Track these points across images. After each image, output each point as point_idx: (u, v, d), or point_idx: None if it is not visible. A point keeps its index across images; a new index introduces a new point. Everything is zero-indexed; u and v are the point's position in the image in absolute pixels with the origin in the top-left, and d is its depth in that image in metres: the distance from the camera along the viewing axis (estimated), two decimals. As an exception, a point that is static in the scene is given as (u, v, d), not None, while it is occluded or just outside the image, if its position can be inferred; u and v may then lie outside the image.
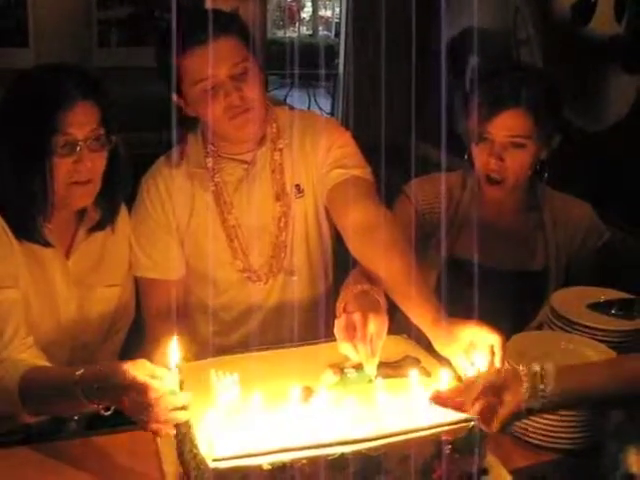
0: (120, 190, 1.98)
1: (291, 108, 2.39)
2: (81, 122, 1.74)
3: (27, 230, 1.81)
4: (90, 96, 1.77)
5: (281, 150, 2.12)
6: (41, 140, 1.72)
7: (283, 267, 2.14)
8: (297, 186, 2.12)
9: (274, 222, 2.12)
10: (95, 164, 1.79)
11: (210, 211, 2.09)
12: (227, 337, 2.16)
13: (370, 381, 1.56)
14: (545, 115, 2.04)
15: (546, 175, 2.14)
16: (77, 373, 1.51)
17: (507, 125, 2.03)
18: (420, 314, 1.69)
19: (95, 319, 2.01)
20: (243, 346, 1.87)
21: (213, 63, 1.90)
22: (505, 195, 2.14)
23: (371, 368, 1.60)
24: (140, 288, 2.15)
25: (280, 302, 2.15)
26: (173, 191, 2.11)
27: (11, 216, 1.79)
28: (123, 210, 2.07)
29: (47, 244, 1.84)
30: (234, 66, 1.94)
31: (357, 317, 1.64)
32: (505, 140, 2.03)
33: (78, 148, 1.75)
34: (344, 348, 1.64)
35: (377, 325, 1.64)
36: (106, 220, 1.97)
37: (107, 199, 1.93)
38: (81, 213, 1.95)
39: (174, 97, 2.01)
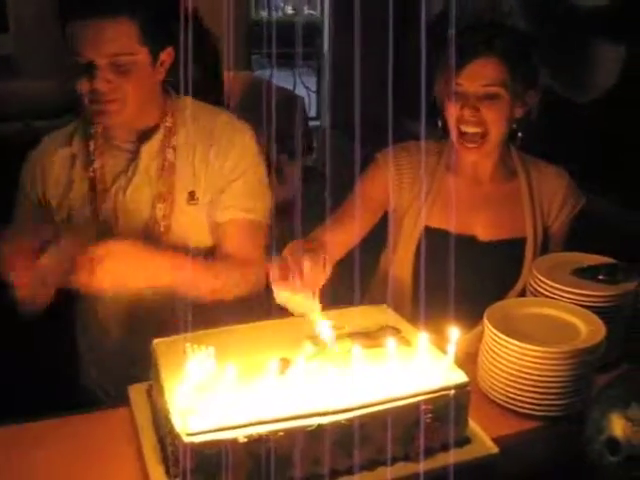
0: None
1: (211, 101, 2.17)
2: None
3: None
4: None
5: (174, 148, 1.97)
6: None
7: None
8: (191, 192, 1.96)
9: (152, 224, 1.97)
10: None
11: (86, 199, 1.98)
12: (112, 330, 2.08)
13: (349, 351, 1.53)
14: (517, 64, 2.01)
15: (520, 135, 2.11)
16: None
17: (479, 74, 1.99)
18: None
19: None
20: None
21: (89, 43, 1.78)
22: (482, 157, 2.10)
23: (316, 315, 1.60)
24: None
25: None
26: (50, 172, 2.00)
27: None
28: None
29: None
30: (113, 55, 1.79)
31: (291, 261, 1.63)
32: (479, 90, 1.99)
33: None
34: (282, 297, 1.62)
35: (313, 267, 1.63)
36: None
37: None
38: None
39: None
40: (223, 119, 2.04)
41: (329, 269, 1.74)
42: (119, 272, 1.73)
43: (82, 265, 1.68)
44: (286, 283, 1.64)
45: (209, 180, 1.98)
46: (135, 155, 1.97)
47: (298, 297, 1.64)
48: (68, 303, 2.13)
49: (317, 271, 1.66)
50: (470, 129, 2.02)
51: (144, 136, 1.97)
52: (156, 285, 1.85)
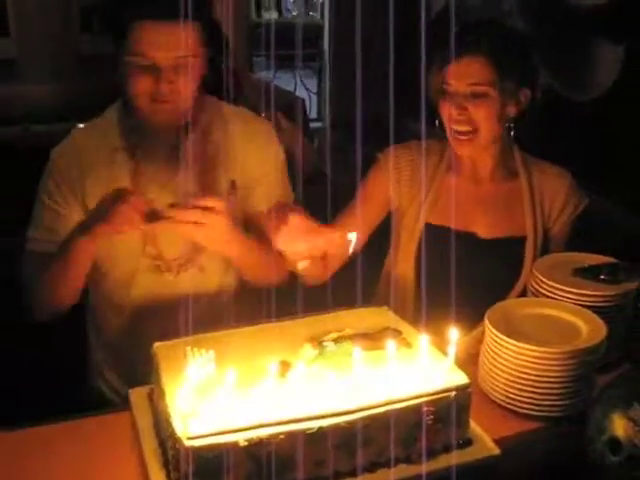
0: None
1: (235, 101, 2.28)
2: None
3: None
4: None
5: (213, 142, 2.03)
6: None
7: (197, 262, 2.05)
8: (232, 182, 2.03)
9: None
10: None
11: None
12: (129, 326, 2.09)
13: (350, 354, 1.53)
14: (507, 63, 2.01)
15: (512, 133, 2.12)
16: None
17: (466, 72, 2.01)
18: None
19: None
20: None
21: (159, 45, 1.80)
22: (478, 154, 2.11)
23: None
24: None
25: (187, 295, 1.97)
26: (90, 166, 2.00)
27: None
28: None
29: None
30: (180, 57, 1.82)
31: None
32: (466, 89, 2.01)
33: None
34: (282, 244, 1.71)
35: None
36: None
37: None
38: None
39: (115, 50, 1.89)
40: (249, 116, 2.15)
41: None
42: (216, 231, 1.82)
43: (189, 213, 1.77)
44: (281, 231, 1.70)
45: (245, 173, 2.05)
46: (177, 148, 1.98)
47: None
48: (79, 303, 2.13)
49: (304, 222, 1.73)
50: (461, 127, 2.04)
51: (185, 130, 1.98)
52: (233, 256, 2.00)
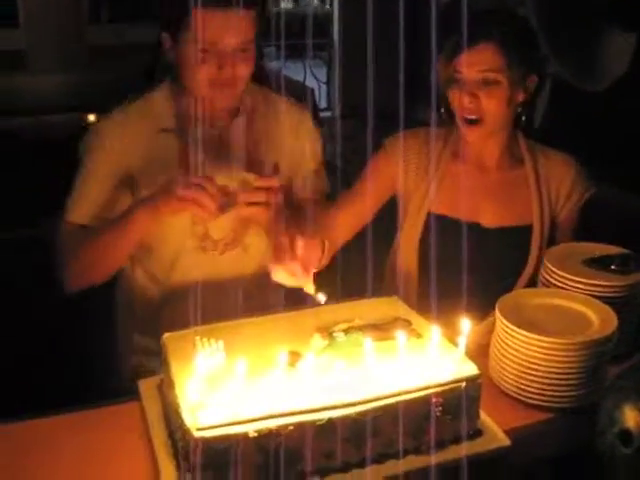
0: None
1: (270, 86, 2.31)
2: None
3: None
4: None
5: (258, 127, 2.07)
6: None
7: (241, 242, 2.10)
8: (275, 165, 1.99)
9: None
10: None
11: (173, 170, 1.98)
12: (174, 309, 2.06)
13: (359, 344, 1.52)
14: (516, 51, 2.01)
15: (524, 119, 2.12)
16: None
17: (477, 60, 2.00)
18: None
19: None
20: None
21: (224, 32, 1.83)
22: (486, 139, 2.11)
23: (308, 287, 1.72)
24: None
25: (230, 275, 2.10)
26: (136, 146, 2.00)
27: None
28: None
29: None
30: (241, 43, 1.87)
31: (284, 240, 1.73)
32: (477, 77, 2.00)
33: None
34: (278, 275, 1.72)
35: (306, 245, 1.73)
36: None
37: None
38: None
39: (163, 36, 1.94)
40: (292, 104, 2.18)
41: (329, 251, 1.85)
42: None
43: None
44: (282, 264, 1.72)
45: (286, 160, 2.07)
46: (224, 132, 2.03)
47: (293, 278, 1.74)
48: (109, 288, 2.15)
49: (311, 253, 1.75)
50: (472, 115, 2.04)
51: (232, 115, 2.04)
52: None
